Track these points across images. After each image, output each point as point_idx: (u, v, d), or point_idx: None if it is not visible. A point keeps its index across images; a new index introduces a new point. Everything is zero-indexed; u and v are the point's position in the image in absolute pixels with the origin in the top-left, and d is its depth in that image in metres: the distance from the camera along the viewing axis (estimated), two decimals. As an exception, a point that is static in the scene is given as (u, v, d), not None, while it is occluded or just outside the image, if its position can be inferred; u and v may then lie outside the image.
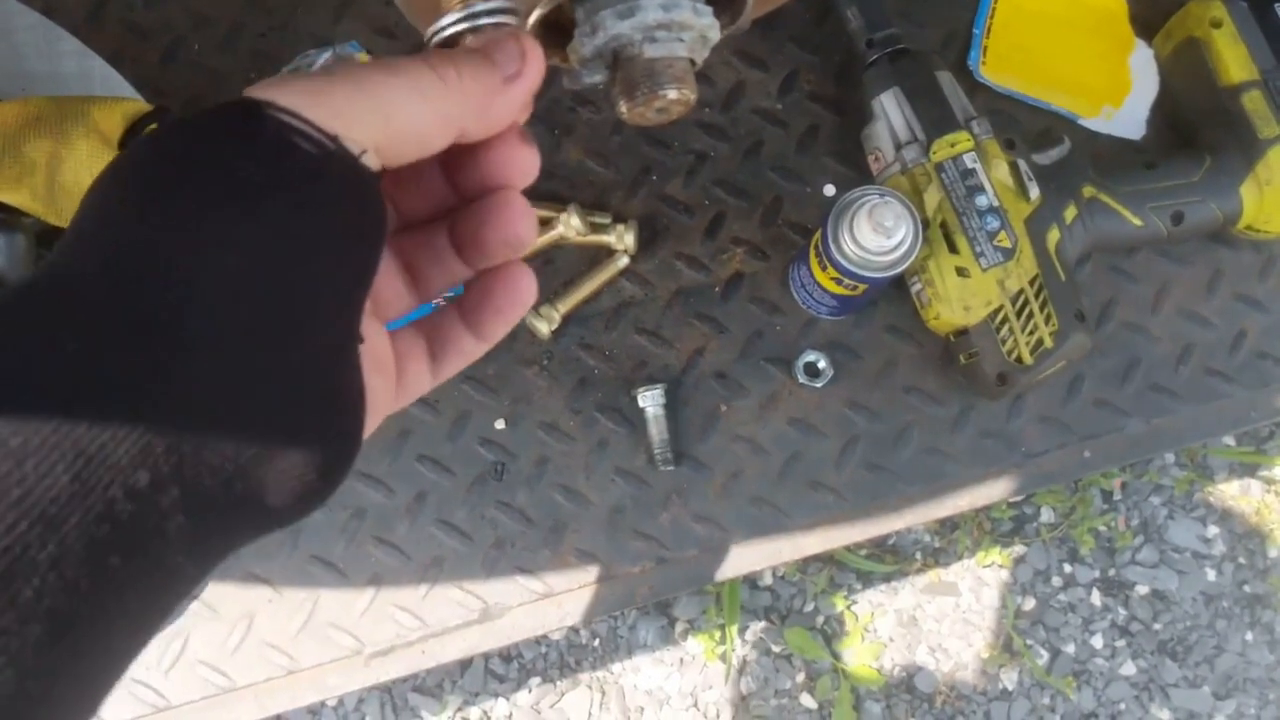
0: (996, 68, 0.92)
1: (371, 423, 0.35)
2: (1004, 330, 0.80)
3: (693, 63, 0.44)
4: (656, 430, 0.86)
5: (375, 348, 0.36)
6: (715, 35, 0.45)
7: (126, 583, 0.27)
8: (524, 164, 0.38)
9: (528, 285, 0.39)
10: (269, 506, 0.30)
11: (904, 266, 0.76)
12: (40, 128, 0.70)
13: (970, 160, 0.82)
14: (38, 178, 0.69)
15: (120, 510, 0.26)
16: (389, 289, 0.40)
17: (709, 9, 0.44)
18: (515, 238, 0.38)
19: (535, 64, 0.36)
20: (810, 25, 0.93)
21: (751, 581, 1.55)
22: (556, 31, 0.46)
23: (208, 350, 0.28)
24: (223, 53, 0.91)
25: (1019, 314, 0.80)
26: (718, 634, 1.54)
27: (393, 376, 0.38)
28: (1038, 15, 0.94)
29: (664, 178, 0.90)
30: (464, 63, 0.34)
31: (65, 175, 0.69)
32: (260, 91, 0.30)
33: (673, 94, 0.43)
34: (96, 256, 0.28)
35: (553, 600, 0.85)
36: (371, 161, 0.32)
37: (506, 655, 1.53)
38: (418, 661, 0.84)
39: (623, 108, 0.44)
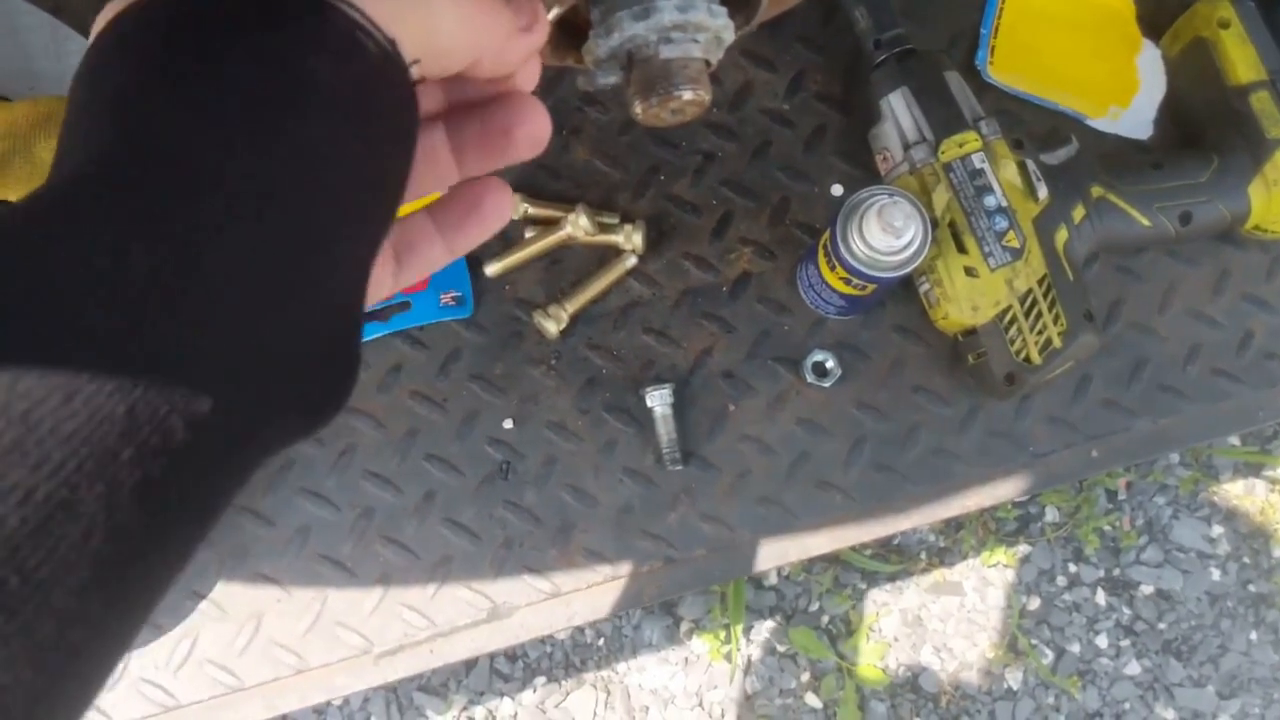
0: (1004, 68, 0.92)
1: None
2: (1012, 330, 0.80)
3: (707, 63, 0.44)
4: (664, 430, 0.86)
5: None
6: (730, 36, 0.45)
7: (176, 518, 0.26)
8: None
9: (509, 197, 0.40)
10: (299, 420, 0.30)
11: (913, 266, 0.76)
12: (50, 128, 0.70)
13: (979, 160, 0.82)
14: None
15: (178, 442, 0.25)
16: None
17: (724, 10, 0.44)
18: (538, 130, 0.38)
19: (544, 23, 0.37)
20: (817, 25, 0.93)
21: (756, 581, 1.55)
22: (571, 32, 0.46)
23: (255, 262, 0.27)
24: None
25: (1027, 314, 0.80)
26: (723, 633, 1.54)
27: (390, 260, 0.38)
28: (1045, 15, 0.94)
29: (671, 178, 0.90)
30: None
31: (76, 175, 0.70)
32: None
33: (688, 95, 0.43)
34: (125, 150, 0.27)
35: (561, 600, 0.85)
36: (415, 73, 0.32)
37: (512, 655, 1.53)
38: (426, 661, 0.84)
39: (637, 109, 0.44)
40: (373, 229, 0.32)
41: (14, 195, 0.68)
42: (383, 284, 0.39)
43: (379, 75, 0.30)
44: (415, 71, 0.32)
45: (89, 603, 0.24)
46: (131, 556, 0.25)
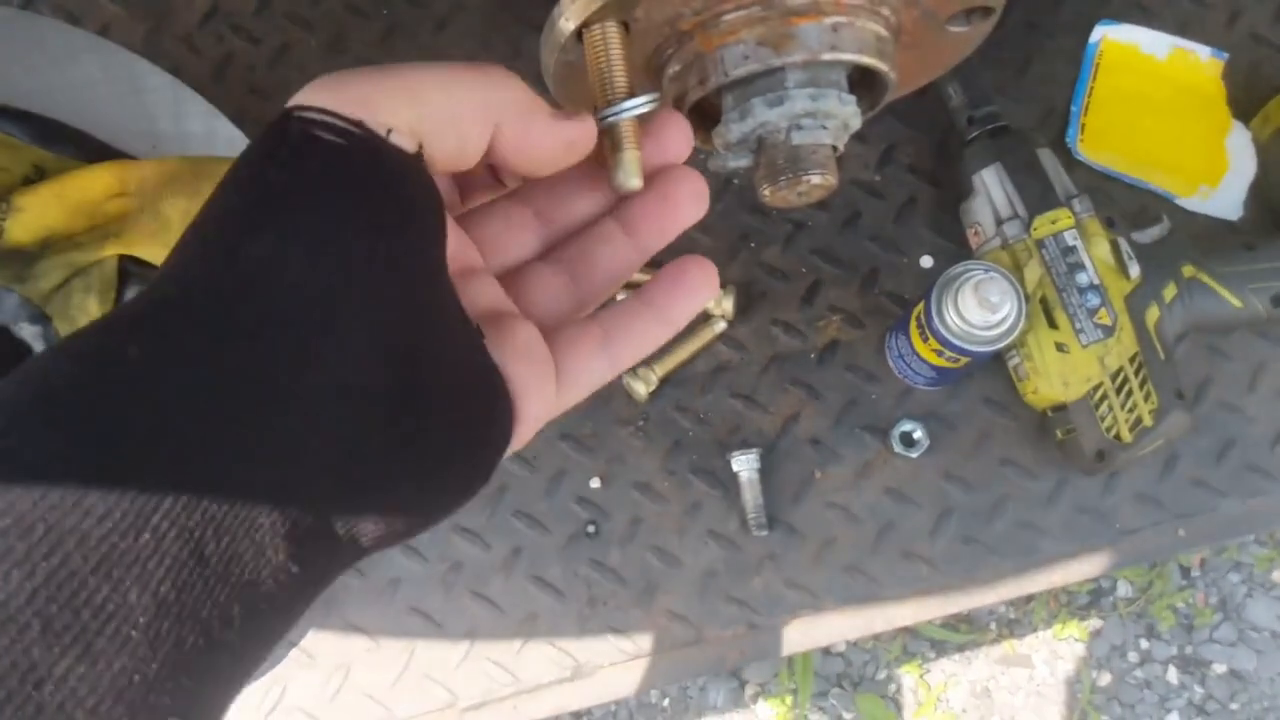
0: (1094, 146, 0.93)
1: (530, 421, 0.36)
2: (1103, 407, 0.81)
3: (835, 149, 0.46)
4: (750, 494, 0.87)
5: (516, 336, 0.36)
6: (857, 123, 0.46)
7: (241, 651, 0.28)
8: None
9: (711, 269, 0.40)
10: (368, 549, 0.32)
11: (1007, 341, 0.77)
12: (176, 186, 0.72)
13: (1071, 238, 0.83)
14: (172, 234, 0.72)
15: (254, 583, 0.28)
16: (542, 287, 0.40)
17: (853, 98, 0.46)
18: (695, 188, 0.39)
19: (585, 139, 0.37)
20: (909, 100, 0.94)
21: (824, 647, 1.55)
22: (703, 117, 0.48)
23: (299, 398, 0.29)
24: (337, 115, 0.94)
25: (1119, 391, 0.80)
26: (789, 699, 1.54)
27: (547, 365, 0.37)
28: (1135, 95, 0.95)
29: (762, 245, 0.92)
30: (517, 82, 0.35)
31: (198, 233, 0.72)
32: (295, 99, 0.31)
33: (816, 179, 0.45)
34: (176, 287, 0.29)
35: (643, 661, 0.86)
36: (404, 142, 0.31)
37: (576, 713, 1.54)
38: (509, 717, 0.85)
39: (766, 191, 0.45)
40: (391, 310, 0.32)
41: (140, 249, 0.70)
42: (593, 368, 0.39)
43: (337, 160, 0.31)
44: (405, 141, 0.32)
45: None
46: (198, 692, 0.27)
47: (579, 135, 0.37)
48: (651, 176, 0.40)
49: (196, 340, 0.28)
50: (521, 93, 0.35)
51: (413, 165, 0.32)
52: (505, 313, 0.37)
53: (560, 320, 0.39)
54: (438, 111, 0.32)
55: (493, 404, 0.34)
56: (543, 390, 0.36)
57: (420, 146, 0.32)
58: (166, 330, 0.28)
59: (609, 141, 0.39)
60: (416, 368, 0.31)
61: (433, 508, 0.33)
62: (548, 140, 0.36)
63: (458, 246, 0.38)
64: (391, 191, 0.31)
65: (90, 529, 0.25)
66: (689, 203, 0.39)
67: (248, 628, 0.28)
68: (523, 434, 0.36)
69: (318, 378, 0.29)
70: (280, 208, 0.30)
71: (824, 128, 0.45)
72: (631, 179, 0.39)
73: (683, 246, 0.89)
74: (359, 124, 0.30)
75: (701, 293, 0.40)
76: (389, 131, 0.31)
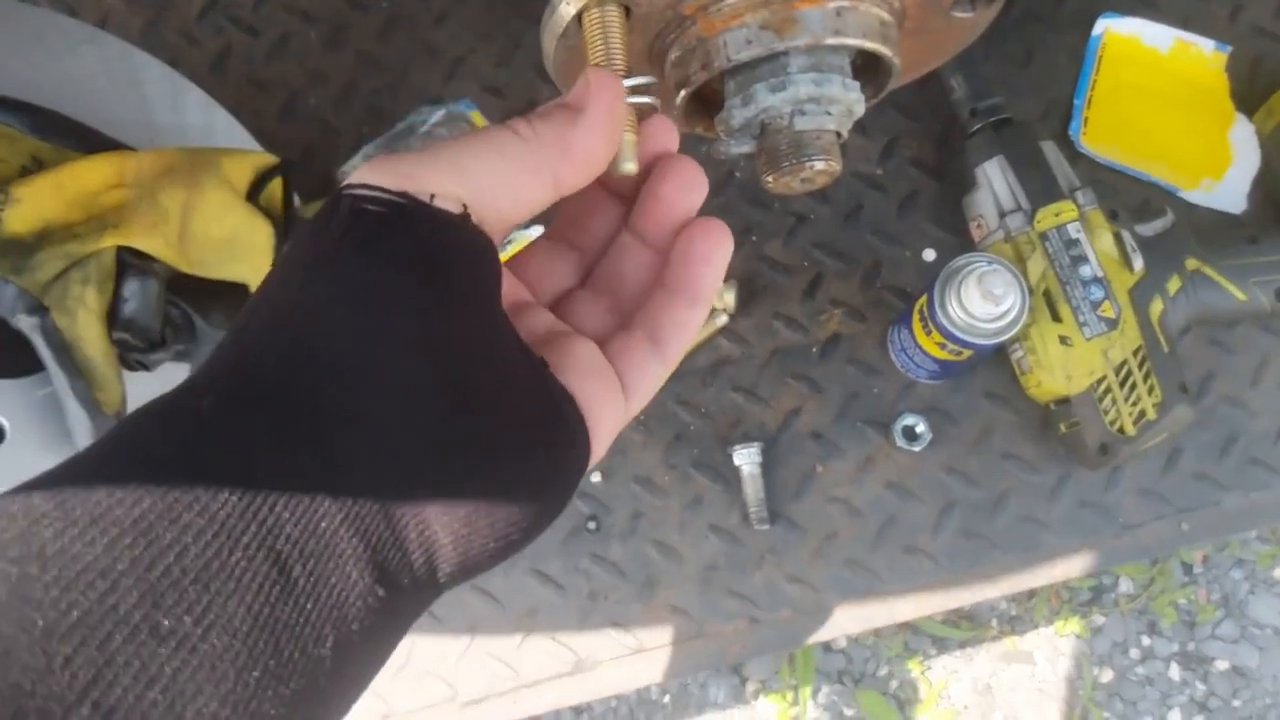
0: (1097, 138, 0.93)
1: (605, 431, 0.37)
2: (1106, 400, 0.80)
3: (839, 135, 0.46)
4: (752, 489, 0.86)
5: (577, 353, 0.38)
6: (861, 109, 0.46)
7: (337, 673, 0.29)
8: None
9: (720, 228, 0.40)
10: (453, 577, 0.33)
11: (1011, 334, 0.76)
12: (175, 178, 0.72)
13: (1074, 230, 0.82)
14: (171, 226, 0.71)
15: (342, 605, 0.29)
16: (587, 311, 0.41)
17: (857, 84, 0.45)
18: (685, 176, 0.40)
19: (604, 94, 0.37)
20: (912, 92, 0.94)
21: (825, 642, 1.54)
22: (705, 103, 0.47)
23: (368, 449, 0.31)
24: (338, 109, 0.94)
25: (1122, 384, 0.80)
26: (790, 695, 1.53)
27: (610, 377, 0.38)
28: (1138, 88, 0.95)
29: (764, 238, 0.91)
30: (537, 114, 0.36)
31: (196, 225, 0.72)
32: (346, 182, 0.33)
33: (819, 165, 0.44)
34: (239, 349, 0.32)
35: (644, 655, 0.86)
36: (449, 205, 0.33)
37: (577, 707, 1.53)
38: (509, 712, 0.85)
39: (769, 178, 0.45)
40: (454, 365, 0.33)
41: (138, 241, 0.70)
42: (649, 372, 0.40)
43: (381, 230, 0.33)
44: (451, 205, 0.33)
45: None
46: None
47: (600, 98, 0.37)
48: (643, 175, 0.40)
49: (261, 393, 0.30)
50: (556, 131, 0.36)
51: (457, 223, 0.33)
52: (562, 334, 0.39)
53: (611, 332, 0.41)
54: (481, 178, 0.34)
55: (564, 426, 0.36)
56: (611, 401, 0.38)
57: (465, 207, 0.34)
58: (233, 388, 0.31)
59: None
60: (475, 399, 0.33)
61: (512, 533, 0.34)
62: (591, 152, 0.37)
63: (509, 287, 0.39)
64: (436, 247, 0.33)
65: (188, 544, 0.27)
66: (682, 194, 0.40)
67: (341, 650, 0.29)
68: (599, 447, 0.37)
69: (377, 415, 0.31)
70: (332, 271, 0.32)
71: (828, 113, 0.45)
72: (625, 163, 0.38)
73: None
74: (403, 194, 0.32)
75: (716, 257, 0.40)
76: (432, 197, 0.33)
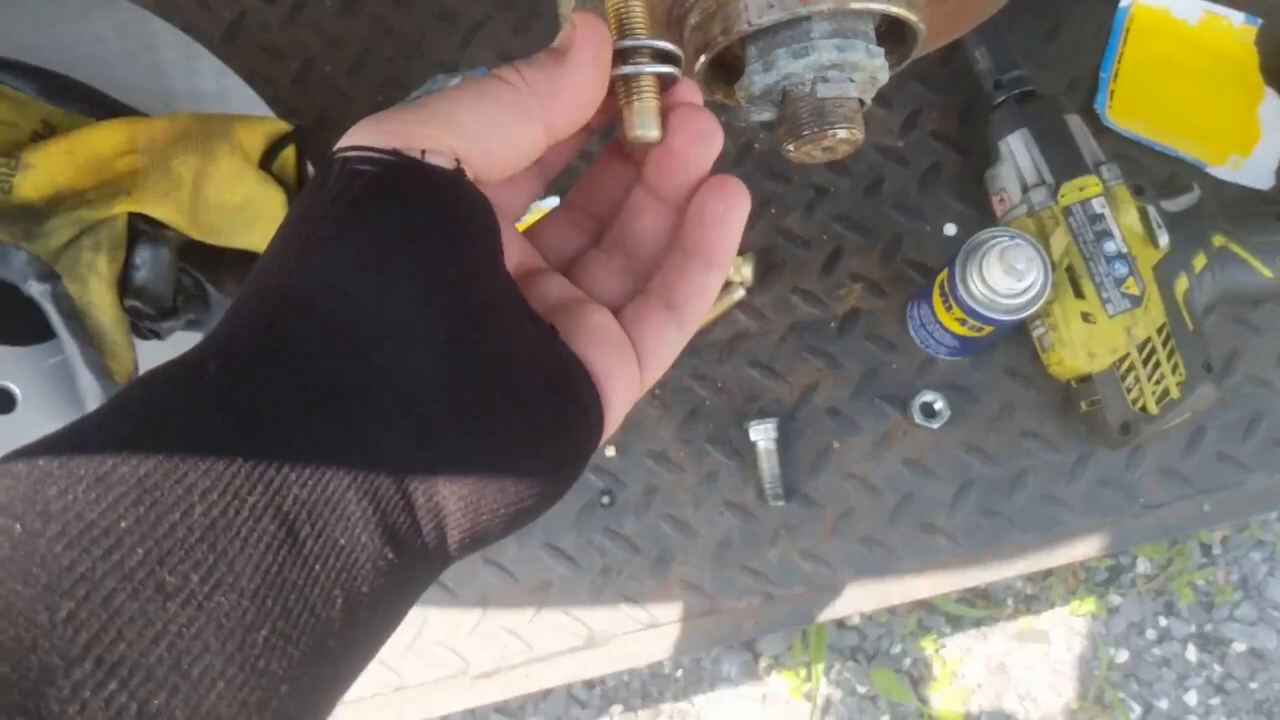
0: (1123, 112, 0.91)
1: (618, 403, 0.37)
2: (1129, 379, 0.79)
3: (861, 103, 0.44)
4: (768, 464, 0.85)
5: (590, 322, 0.37)
6: (884, 76, 0.45)
7: (346, 638, 0.29)
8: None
9: (736, 187, 0.39)
10: (463, 545, 0.33)
11: (1032, 310, 0.75)
12: (187, 144, 0.71)
13: (1099, 205, 0.81)
14: (183, 193, 0.70)
15: (352, 568, 0.29)
16: (602, 273, 0.40)
17: (880, 50, 0.44)
18: (697, 126, 0.39)
19: (590, 35, 0.37)
20: (934, 64, 0.93)
21: (839, 620, 1.53)
22: (725, 70, 0.46)
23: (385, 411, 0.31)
24: (352, 76, 0.93)
25: (1145, 362, 0.79)
26: (802, 671, 1.53)
27: (625, 347, 0.38)
28: (1165, 61, 0.93)
29: (783, 211, 0.90)
30: (525, 61, 0.36)
31: (209, 191, 0.71)
32: (338, 144, 0.33)
33: (842, 133, 0.43)
34: (239, 319, 0.32)
35: (657, 630, 0.85)
36: (441, 161, 0.33)
37: (590, 681, 1.53)
38: (521, 685, 0.85)
39: (789, 146, 0.44)
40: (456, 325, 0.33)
41: (150, 207, 0.69)
42: (666, 340, 0.39)
43: (371, 188, 0.32)
44: (444, 160, 0.33)
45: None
46: (310, 692, 0.29)
47: (587, 39, 0.37)
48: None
49: (264, 355, 0.30)
50: (546, 74, 0.36)
51: (452, 179, 0.33)
52: (575, 300, 0.38)
53: (627, 297, 0.40)
54: (473, 128, 0.34)
55: (575, 395, 0.35)
56: (625, 372, 0.37)
57: (458, 162, 0.33)
58: (239, 352, 0.30)
59: (623, 91, 0.38)
60: (478, 362, 0.32)
61: (523, 502, 0.33)
62: (582, 93, 0.37)
63: (520, 251, 0.39)
64: (431, 204, 0.33)
65: (194, 503, 0.27)
66: (696, 147, 0.39)
67: (350, 614, 0.29)
68: (613, 418, 0.37)
69: (380, 376, 0.31)
70: (328, 236, 0.32)
71: (851, 80, 0.43)
72: (650, 130, 0.38)
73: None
74: (394, 152, 0.32)
75: (732, 218, 0.39)
76: (424, 153, 0.33)
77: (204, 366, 0.30)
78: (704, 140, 0.39)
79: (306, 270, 0.31)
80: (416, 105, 0.34)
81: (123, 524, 0.26)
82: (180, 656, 0.25)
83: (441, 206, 0.33)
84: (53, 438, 0.28)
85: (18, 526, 0.26)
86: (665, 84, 0.39)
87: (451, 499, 0.31)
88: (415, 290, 0.32)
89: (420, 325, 0.31)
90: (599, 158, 0.42)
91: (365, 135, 0.33)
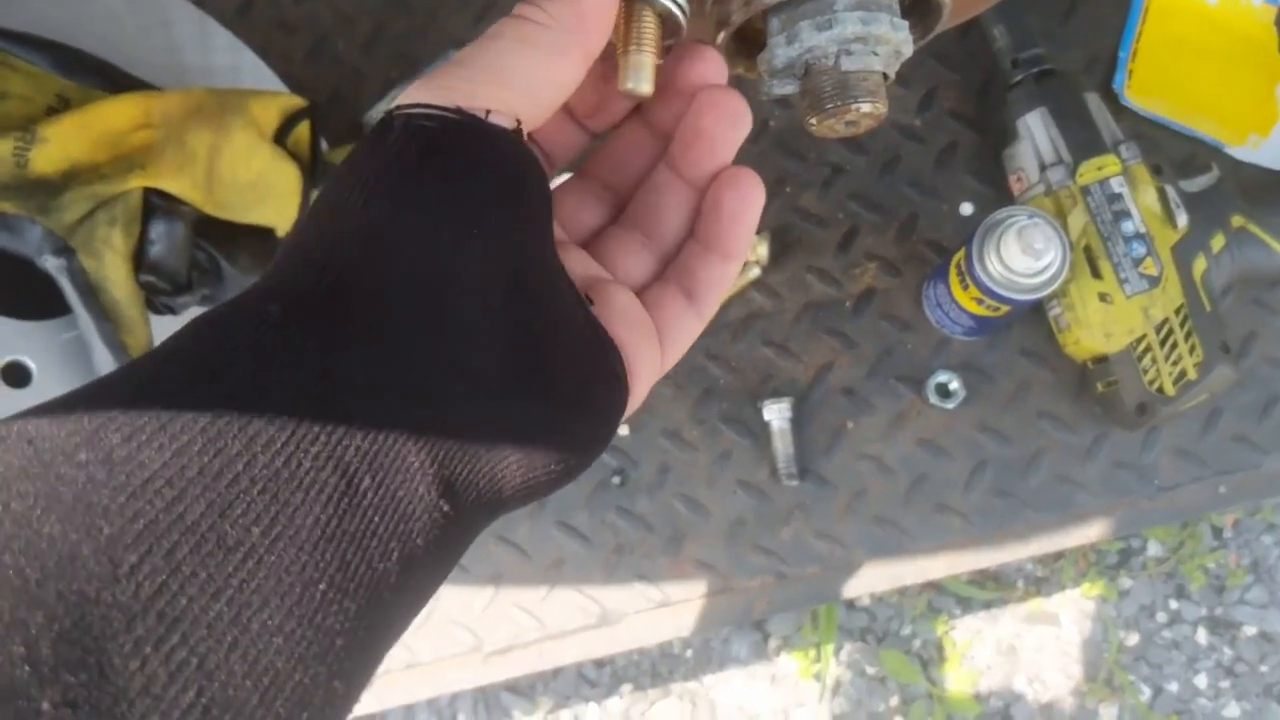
0: (1141, 92, 0.91)
1: (642, 382, 0.37)
2: (1146, 359, 0.79)
3: (885, 76, 0.44)
4: (781, 444, 0.85)
5: (616, 301, 0.37)
6: (909, 50, 0.44)
7: (400, 588, 0.29)
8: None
9: (751, 180, 0.39)
10: (510, 499, 0.32)
11: (1050, 290, 0.75)
12: (202, 119, 0.71)
13: (1117, 185, 0.80)
14: (198, 168, 0.70)
15: (408, 519, 0.29)
16: (622, 250, 0.40)
17: (905, 24, 0.43)
18: (725, 109, 0.38)
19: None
20: (952, 42, 0.92)
21: (848, 601, 1.53)
22: (746, 43, 0.46)
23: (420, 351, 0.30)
24: (365, 52, 0.93)
25: (1162, 343, 0.78)
26: (812, 652, 1.53)
27: (648, 326, 0.38)
28: (1185, 41, 0.92)
29: (799, 189, 0.90)
30: None
31: (223, 166, 0.71)
32: (399, 100, 0.33)
33: (865, 107, 0.43)
34: (296, 264, 0.31)
35: (670, 609, 0.85)
36: (502, 120, 0.33)
37: (599, 661, 1.53)
38: (534, 662, 0.85)
39: (812, 120, 0.43)
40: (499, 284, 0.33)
41: (165, 182, 0.69)
42: (685, 325, 0.39)
43: (435, 146, 0.32)
44: (505, 120, 0.33)
45: (336, 675, 0.28)
46: (367, 639, 0.28)
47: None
48: (682, 108, 0.39)
49: (329, 297, 0.30)
50: (566, 10, 0.35)
51: (512, 139, 0.33)
52: (600, 279, 0.38)
53: (647, 279, 0.40)
54: (522, 77, 0.34)
55: (610, 368, 0.35)
56: (650, 351, 0.37)
57: (519, 122, 0.33)
58: (301, 297, 0.30)
59: (622, 39, 0.38)
60: (535, 323, 0.33)
61: (568, 461, 0.33)
62: (600, 11, 0.36)
63: None
64: (494, 163, 0.33)
65: (257, 453, 0.27)
66: (725, 127, 0.38)
67: (405, 565, 0.29)
68: (636, 397, 0.37)
69: (445, 327, 0.30)
70: (394, 188, 0.32)
71: (874, 54, 0.43)
72: (643, 84, 0.37)
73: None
74: (457, 110, 0.32)
75: (747, 213, 0.39)
76: (488, 113, 0.33)
77: (266, 309, 0.29)
78: (734, 121, 0.38)
79: (374, 216, 0.31)
80: (461, 62, 0.34)
81: (187, 474, 0.26)
82: (240, 610, 0.25)
83: (504, 166, 0.33)
84: (114, 379, 0.28)
85: (81, 475, 0.25)
86: (669, 31, 0.39)
87: (510, 452, 0.31)
88: (480, 246, 0.32)
89: (485, 281, 0.31)
90: (621, 128, 0.41)
91: (426, 93, 0.33)
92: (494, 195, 0.32)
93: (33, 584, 0.24)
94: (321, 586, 0.27)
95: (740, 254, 0.39)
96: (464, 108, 0.32)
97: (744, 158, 0.38)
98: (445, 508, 0.30)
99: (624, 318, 0.37)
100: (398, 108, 0.33)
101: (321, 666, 0.27)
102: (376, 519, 0.28)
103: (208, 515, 0.25)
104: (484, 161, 0.33)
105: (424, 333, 0.30)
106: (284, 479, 0.27)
